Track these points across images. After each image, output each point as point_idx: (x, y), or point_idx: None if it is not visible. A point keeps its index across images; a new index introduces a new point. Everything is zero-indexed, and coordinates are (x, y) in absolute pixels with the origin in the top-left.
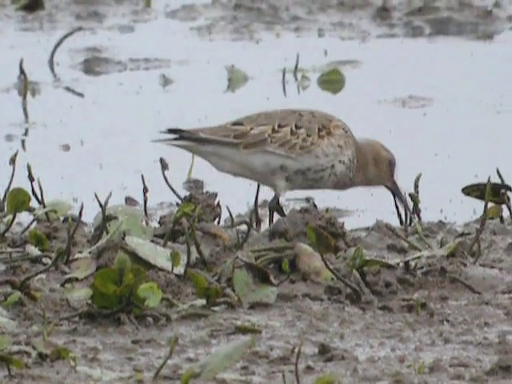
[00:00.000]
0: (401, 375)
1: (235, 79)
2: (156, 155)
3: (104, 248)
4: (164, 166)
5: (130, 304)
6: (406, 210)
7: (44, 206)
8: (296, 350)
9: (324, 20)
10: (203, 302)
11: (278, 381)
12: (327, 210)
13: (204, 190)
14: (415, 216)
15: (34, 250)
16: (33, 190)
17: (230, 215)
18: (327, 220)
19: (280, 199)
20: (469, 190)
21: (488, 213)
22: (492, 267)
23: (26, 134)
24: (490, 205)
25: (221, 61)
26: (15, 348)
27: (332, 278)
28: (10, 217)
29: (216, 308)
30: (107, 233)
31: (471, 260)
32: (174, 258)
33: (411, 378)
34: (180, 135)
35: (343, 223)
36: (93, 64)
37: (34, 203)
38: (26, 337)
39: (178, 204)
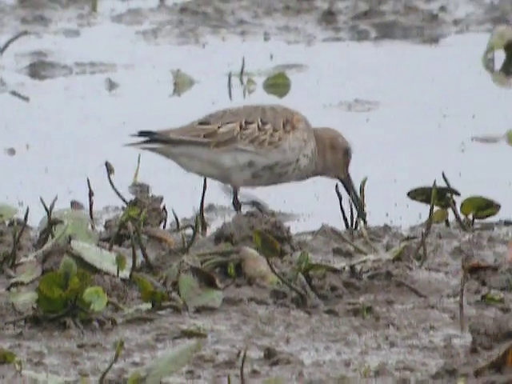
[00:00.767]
0: (346, 379)
1: (181, 83)
2: (102, 159)
3: (49, 252)
4: (109, 169)
5: (75, 308)
6: (357, 206)
7: None
8: (241, 354)
9: (270, 24)
10: (149, 306)
11: None
12: (273, 214)
13: (149, 194)
14: (361, 220)
15: None
16: None
17: (176, 219)
18: (273, 224)
19: (237, 194)
20: (414, 194)
21: (433, 216)
22: (438, 271)
23: None
24: (436, 208)
25: (167, 65)
26: None
27: (278, 282)
28: None
29: (162, 312)
30: (53, 237)
31: (417, 264)
32: (120, 261)
33: (357, 381)
34: (151, 138)
35: (289, 227)
36: (38, 68)
37: None
38: None
39: (123, 208)
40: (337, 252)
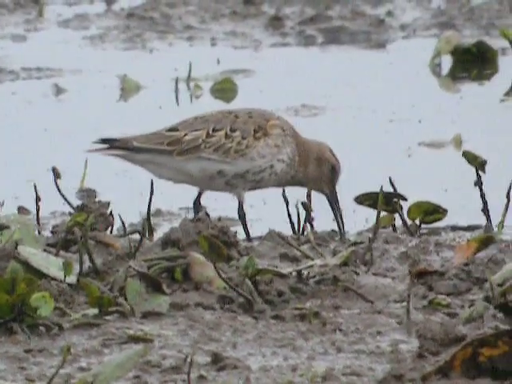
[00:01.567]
0: None
1: (128, 88)
2: (48, 164)
3: None
4: (56, 174)
5: (22, 313)
6: (339, 222)
7: None
8: (188, 359)
9: (217, 29)
10: (96, 311)
11: None
12: (220, 219)
13: (96, 199)
14: (308, 225)
15: None
16: None
17: (123, 224)
18: (220, 229)
19: (243, 204)
20: (361, 199)
21: (380, 222)
22: (384, 276)
23: None
24: (383, 214)
25: (113, 70)
26: None
27: (224, 287)
28: None
29: (108, 317)
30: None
31: (364, 269)
32: (67, 267)
33: None
34: (111, 145)
35: (236, 232)
36: None
37: None
38: None
39: (70, 213)
40: (284, 257)
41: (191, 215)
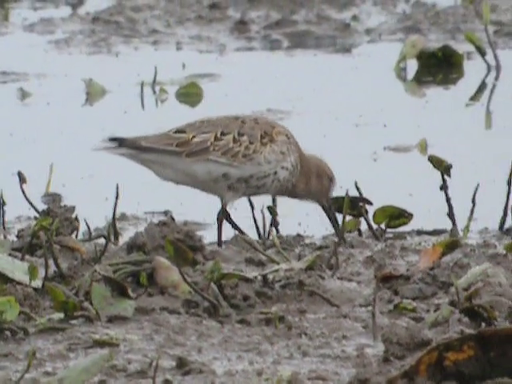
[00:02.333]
0: None
1: (93, 92)
2: (14, 168)
3: None
4: (22, 179)
5: None
6: (337, 231)
7: None
8: (154, 363)
9: (182, 33)
10: (61, 315)
11: None
12: (185, 223)
13: (62, 204)
14: (273, 229)
15: None
16: None
17: (88, 229)
18: (185, 233)
19: (227, 209)
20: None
21: (346, 226)
22: (350, 280)
23: None
24: (348, 218)
25: (79, 74)
26: None
27: (190, 292)
28: None
29: (74, 321)
30: None
31: (329, 273)
32: (32, 271)
33: None
34: (121, 144)
35: (201, 236)
36: None
37: None
38: None
39: (35, 217)
40: (249, 261)
41: (156, 219)
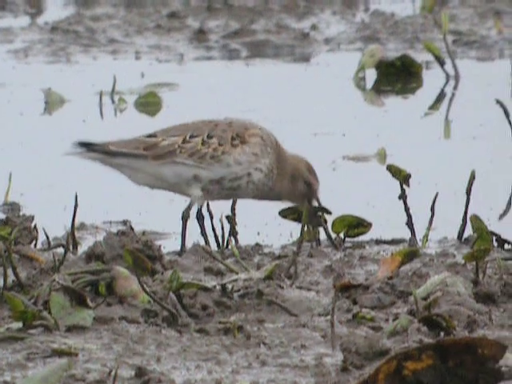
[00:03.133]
0: None
1: (52, 102)
2: None
3: None
4: None
5: None
6: (327, 234)
7: None
8: (113, 372)
9: (141, 42)
10: (20, 324)
11: None
12: (144, 233)
13: (20, 213)
14: (232, 238)
15: None
16: None
17: (47, 238)
18: (144, 243)
19: (194, 209)
20: (285, 213)
21: (305, 235)
22: (309, 289)
23: None
24: (307, 227)
25: (38, 83)
26: None
27: (149, 301)
28: None
29: (33, 331)
30: None
31: (288, 282)
32: None
33: None
34: (90, 148)
35: (160, 246)
36: None
37: None
38: None
39: None
40: (208, 271)
41: (115, 229)
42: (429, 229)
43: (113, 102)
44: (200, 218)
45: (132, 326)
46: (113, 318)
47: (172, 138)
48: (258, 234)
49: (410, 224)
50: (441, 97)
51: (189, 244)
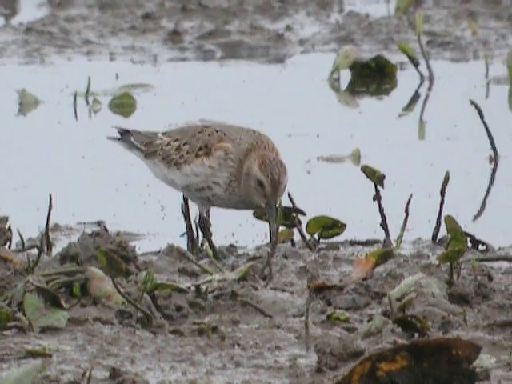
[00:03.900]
0: None
1: (26, 103)
2: None
3: None
4: None
5: None
6: (272, 236)
7: None
8: (87, 374)
9: (115, 44)
10: None
11: None
12: (118, 234)
13: None
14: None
15: None
16: None
17: (21, 239)
18: (118, 244)
19: (203, 216)
20: (260, 214)
21: (279, 236)
22: (283, 291)
23: None
24: (282, 228)
25: (12, 84)
26: None
27: (123, 302)
28: None
29: (6, 332)
30: None
31: (262, 283)
32: None
33: None
34: (121, 137)
35: (134, 247)
36: None
37: None
38: None
39: None
40: (182, 272)
41: (90, 230)
42: (403, 230)
43: (87, 103)
44: (201, 223)
45: (106, 327)
46: (87, 319)
47: (165, 138)
48: (233, 234)
49: (384, 225)
50: (415, 98)
51: (163, 245)
